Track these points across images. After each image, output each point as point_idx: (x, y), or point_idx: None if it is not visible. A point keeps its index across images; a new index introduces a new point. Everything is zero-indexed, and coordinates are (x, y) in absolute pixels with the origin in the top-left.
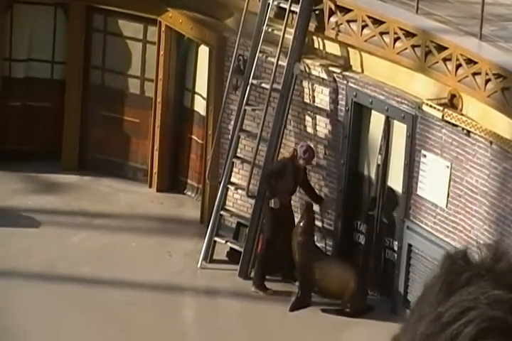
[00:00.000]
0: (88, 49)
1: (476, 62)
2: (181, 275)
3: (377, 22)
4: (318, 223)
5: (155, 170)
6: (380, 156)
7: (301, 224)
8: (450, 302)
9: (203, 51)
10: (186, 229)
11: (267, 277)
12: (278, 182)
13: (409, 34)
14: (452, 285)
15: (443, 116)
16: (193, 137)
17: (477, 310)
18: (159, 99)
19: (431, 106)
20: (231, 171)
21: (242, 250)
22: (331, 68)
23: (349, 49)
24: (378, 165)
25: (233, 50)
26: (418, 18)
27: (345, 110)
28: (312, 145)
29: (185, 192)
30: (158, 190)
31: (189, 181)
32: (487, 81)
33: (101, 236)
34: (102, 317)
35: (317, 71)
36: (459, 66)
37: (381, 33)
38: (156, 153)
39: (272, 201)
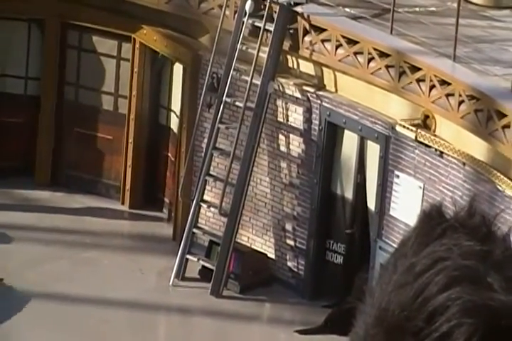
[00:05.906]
0: (62, 65)
1: (449, 84)
2: (153, 292)
3: (352, 42)
4: (290, 242)
5: (128, 186)
6: (353, 176)
7: None
8: (424, 253)
9: (178, 68)
10: (158, 246)
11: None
12: None
13: (383, 54)
14: (426, 238)
15: (416, 137)
16: (167, 154)
17: (449, 260)
18: (132, 116)
19: (404, 126)
20: (204, 189)
21: (214, 268)
22: (304, 87)
23: (323, 68)
24: (352, 185)
25: (207, 67)
26: (392, 39)
27: (318, 129)
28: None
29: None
30: (130, 207)
31: (165, 199)
32: (460, 102)
33: (73, 252)
34: (74, 334)
35: (291, 90)
36: (432, 87)
37: (355, 53)
38: (129, 170)
39: None
